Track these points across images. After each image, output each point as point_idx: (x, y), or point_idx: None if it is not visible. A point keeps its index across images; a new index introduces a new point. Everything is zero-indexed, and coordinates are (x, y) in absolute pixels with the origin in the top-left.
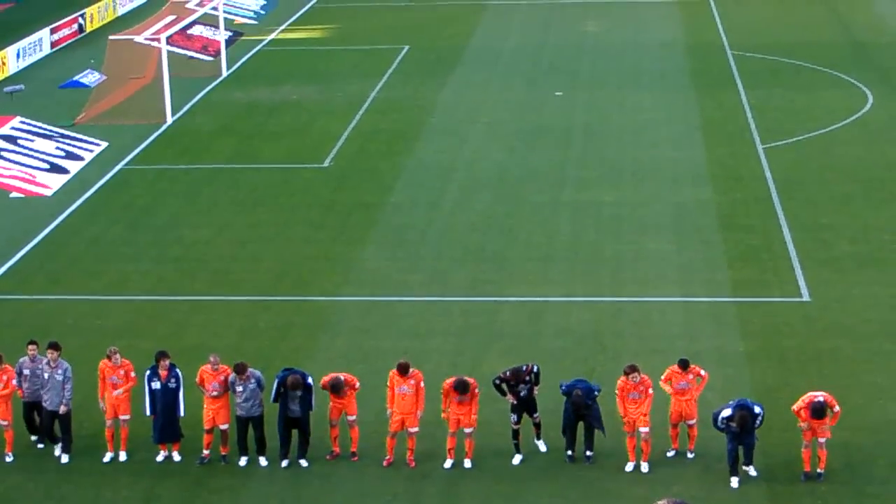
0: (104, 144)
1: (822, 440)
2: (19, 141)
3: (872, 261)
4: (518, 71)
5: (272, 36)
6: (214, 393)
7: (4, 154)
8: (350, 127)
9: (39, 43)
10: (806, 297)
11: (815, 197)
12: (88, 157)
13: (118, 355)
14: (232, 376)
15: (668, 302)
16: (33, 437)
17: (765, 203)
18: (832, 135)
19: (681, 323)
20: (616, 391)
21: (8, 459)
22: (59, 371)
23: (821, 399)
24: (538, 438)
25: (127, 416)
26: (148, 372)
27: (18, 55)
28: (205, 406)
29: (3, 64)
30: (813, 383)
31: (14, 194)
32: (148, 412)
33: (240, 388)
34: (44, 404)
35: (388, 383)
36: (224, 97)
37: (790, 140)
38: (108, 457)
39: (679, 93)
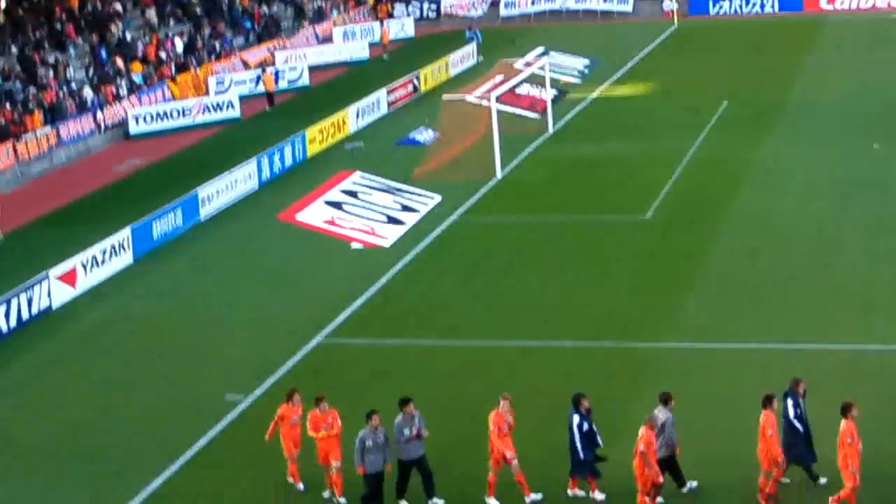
0: (438, 198)
1: None
2: (359, 195)
3: None
4: (836, 124)
5: (595, 94)
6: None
7: (346, 207)
8: (672, 180)
9: (377, 103)
10: None
11: None
12: (423, 209)
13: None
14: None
15: None
16: None
17: None
18: None
19: None
20: None
21: (342, 500)
22: (382, 435)
23: None
24: None
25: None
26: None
27: (358, 115)
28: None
29: (345, 122)
30: None
31: (355, 245)
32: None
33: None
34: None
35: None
36: (550, 152)
37: None
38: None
39: None
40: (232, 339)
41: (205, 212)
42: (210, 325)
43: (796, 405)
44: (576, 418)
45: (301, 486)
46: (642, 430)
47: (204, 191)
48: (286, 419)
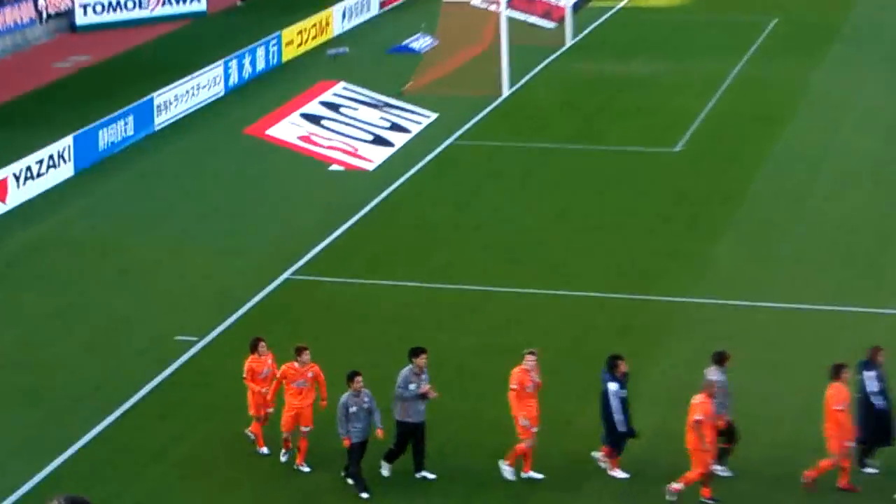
0: (433, 116)
1: None
2: (342, 109)
3: None
4: None
5: (623, 2)
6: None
7: (326, 122)
8: (707, 107)
9: (367, 3)
10: None
11: None
12: (415, 129)
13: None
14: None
15: None
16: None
17: None
18: None
19: None
20: None
21: (305, 469)
22: (367, 399)
23: None
24: None
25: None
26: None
27: (344, 15)
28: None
29: (328, 24)
30: None
31: (334, 167)
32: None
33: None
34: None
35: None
36: (567, 69)
37: None
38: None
39: None
40: (187, 270)
41: (160, 121)
42: (162, 253)
43: (880, 378)
44: (612, 385)
45: (265, 449)
46: (699, 398)
47: (160, 96)
48: (256, 373)
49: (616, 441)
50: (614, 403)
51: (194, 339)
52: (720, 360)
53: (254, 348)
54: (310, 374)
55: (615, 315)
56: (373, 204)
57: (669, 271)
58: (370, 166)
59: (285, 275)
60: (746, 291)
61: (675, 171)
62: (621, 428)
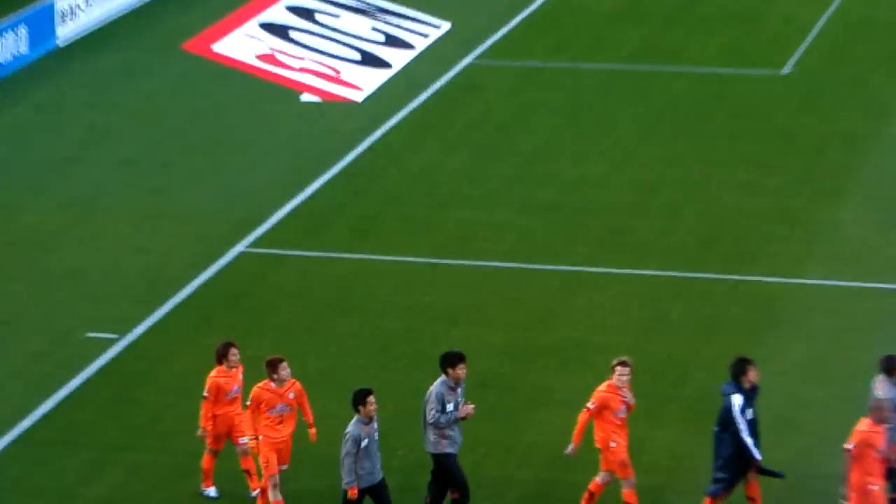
0: (445, 26)
1: None
2: (317, 16)
3: None
4: None
5: None
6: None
7: (295, 35)
8: (826, 14)
9: None
10: None
11: None
12: (421, 44)
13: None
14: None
15: None
16: None
17: None
18: None
19: None
20: None
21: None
22: (376, 426)
23: None
24: None
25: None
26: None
27: None
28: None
29: None
30: None
31: (307, 96)
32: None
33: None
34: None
35: None
36: None
37: None
38: None
39: None
40: (101, 241)
41: (65, 33)
42: (67, 218)
43: None
44: (737, 399)
45: (212, 490)
46: (864, 423)
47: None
48: (223, 392)
49: (731, 478)
50: (742, 424)
51: (113, 336)
52: (890, 367)
53: (222, 357)
54: (291, 396)
55: (699, 301)
56: (361, 148)
57: (774, 241)
58: (358, 96)
59: (240, 247)
60: (881, 269)
61: (781, 102)
62: (757, 455)
